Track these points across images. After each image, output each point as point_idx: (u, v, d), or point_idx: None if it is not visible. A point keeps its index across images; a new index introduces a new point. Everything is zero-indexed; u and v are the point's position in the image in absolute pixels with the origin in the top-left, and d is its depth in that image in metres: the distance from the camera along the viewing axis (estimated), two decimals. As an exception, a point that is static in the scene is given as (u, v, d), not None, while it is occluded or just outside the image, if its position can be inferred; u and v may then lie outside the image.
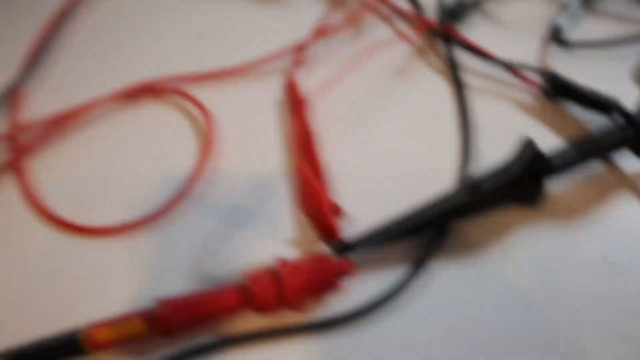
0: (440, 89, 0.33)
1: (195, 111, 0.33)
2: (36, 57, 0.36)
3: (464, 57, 0.34)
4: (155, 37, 0.37)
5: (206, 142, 0.31)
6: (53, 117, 0.32)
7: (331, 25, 0.36)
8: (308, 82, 0.33)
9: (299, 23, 0.37)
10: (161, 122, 0.32)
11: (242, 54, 0.35)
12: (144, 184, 0.30)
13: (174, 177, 0.30)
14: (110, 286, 0.26)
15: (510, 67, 0.33)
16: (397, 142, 0.31)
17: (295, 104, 0.32)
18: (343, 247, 0.24)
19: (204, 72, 0.34)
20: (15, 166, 0.30)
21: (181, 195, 0.29)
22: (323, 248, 0.25)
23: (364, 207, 0.27)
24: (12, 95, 0.33)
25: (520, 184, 0.25)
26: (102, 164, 0.31)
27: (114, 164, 0.31)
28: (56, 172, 0.30)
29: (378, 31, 0.36)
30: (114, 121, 0.33)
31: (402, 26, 0.36)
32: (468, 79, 0.33)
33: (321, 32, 0.35)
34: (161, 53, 0.36)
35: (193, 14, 0.39)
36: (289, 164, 0.30)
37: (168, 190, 0.29)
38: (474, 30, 0.35)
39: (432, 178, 0.29)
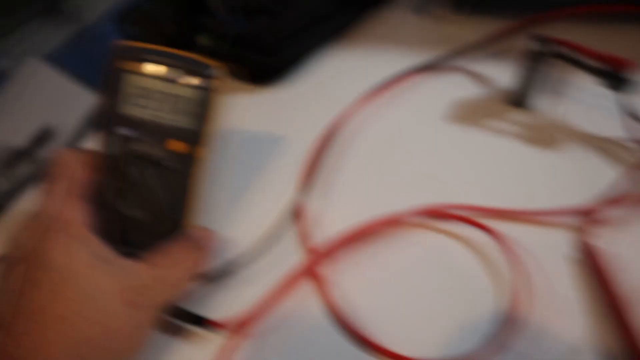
0: None
1: (491, 248, 0.35)
2: (311, 176, 0.41)
3: None
4: (435, 162, 0.41)
5: (514, 286, 0.33)
6: (341, 235, 0.36)
7: (627, 196, 0.37)
8: (603, 244, 0.34)
9: (591, 180, 0.38)
10: (449, 250, 0.35)
11: (525, 198, 0.37)
12: (440, 316, 0.32)
13: (476, 317, 0.32)
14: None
15: None
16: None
17: (596, 269, 0.33)
18: None
19: (487, 208, 0.36)
20: (312, 275, 0.35)
21: (493, 343, 0.31)
22: None
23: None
24: (296, 213, 0.38)
25: None
26: (394, 285, 0.34)
27: (407, 287, 0.34)
28: (348, 286, 0.34)
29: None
30: (401, 242, 0.36)
31: None
32: None
33: (616, 201, 0.37)
34: (441, 180, 0.40)
35: (471, 146, 0.42)
36: (598, 330, 0.31)
37: (473, 330, 0.32)
38: None
39: None
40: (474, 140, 0.42)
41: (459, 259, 0.34)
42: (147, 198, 0.32)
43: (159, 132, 0.32)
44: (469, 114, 0.44)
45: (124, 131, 0.33)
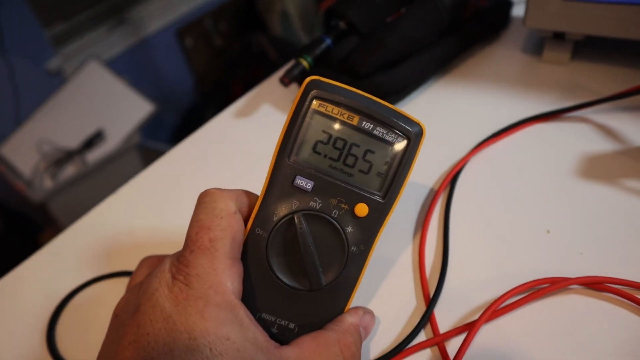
0: None
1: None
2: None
3: None
4: (567, 221, 0.36)
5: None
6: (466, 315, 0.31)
7: None
8: None
9: None
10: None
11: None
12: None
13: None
14: None
15: None
16: None
17: None
18: None
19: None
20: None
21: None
22: None
23: None
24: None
25: None
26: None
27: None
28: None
29: None
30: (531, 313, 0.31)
31: None
32: None
33: None
34: (573, 242, 0.34)
35: (608, 207, 0.36)
36: None
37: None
38: None
39: None
40: (611, 201, 0.36)
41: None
42: (312, 267, 0.26)
43: (344, 192, 0.26)
44: (602, 171, 0.38)
45: (300, 182, 0.26)
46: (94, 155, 1.46)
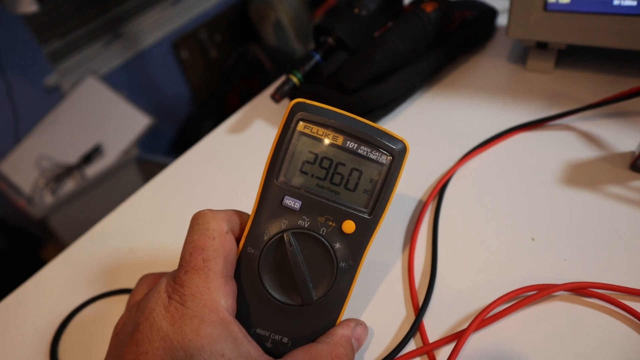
0: None
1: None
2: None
3: None
4: (551, 228, 0.36)
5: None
6: (454, 325, 0.32)
7: None
8: None
9: None
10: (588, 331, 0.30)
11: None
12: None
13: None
14: None
15: None
16: None
17: None
18: None
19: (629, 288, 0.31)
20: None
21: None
22: None
23: None
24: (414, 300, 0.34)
25: None
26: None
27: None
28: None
29: None
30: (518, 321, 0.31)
31: None
32: None
33: None
34: (557, 250, 0.35)
35: (592, 214, 0.37)
36: None
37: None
38: None
39: None
40: (593, 207, 0.37)
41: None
42: (303, 283, 0.27)
43: (332, 210, 0.27)
44: (585, 178, 0.39)
45: (289, 202, 0.27)
46: (93, 169, 1.47)
